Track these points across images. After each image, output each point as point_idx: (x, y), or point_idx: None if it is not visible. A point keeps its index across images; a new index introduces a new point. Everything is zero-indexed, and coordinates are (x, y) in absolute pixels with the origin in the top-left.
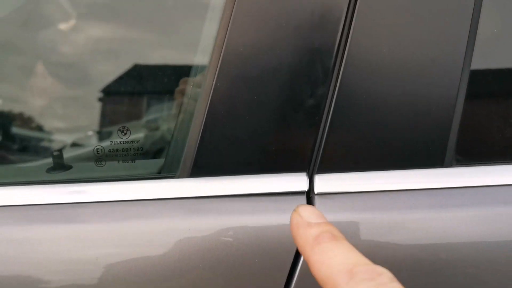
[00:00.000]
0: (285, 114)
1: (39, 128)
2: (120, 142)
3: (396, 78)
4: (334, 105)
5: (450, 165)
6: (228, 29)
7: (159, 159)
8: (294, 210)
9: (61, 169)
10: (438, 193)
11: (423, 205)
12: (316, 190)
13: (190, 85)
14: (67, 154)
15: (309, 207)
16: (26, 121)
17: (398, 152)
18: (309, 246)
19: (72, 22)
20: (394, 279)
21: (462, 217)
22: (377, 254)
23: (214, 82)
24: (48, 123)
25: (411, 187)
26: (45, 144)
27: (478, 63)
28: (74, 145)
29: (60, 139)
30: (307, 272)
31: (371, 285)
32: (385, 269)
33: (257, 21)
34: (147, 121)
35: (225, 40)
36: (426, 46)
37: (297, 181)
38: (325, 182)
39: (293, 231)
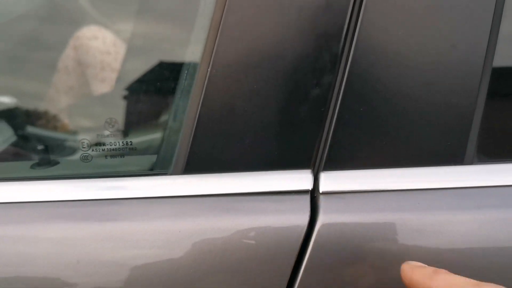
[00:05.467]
0: (288, 105)
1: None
2: (108, 135)
3: (412, 65)
4: (342, 96)
5: (471, 162)
6: (226, 6)
7: (151, 155)
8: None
9: (46, 165)
10: (457, 193)
11: (440, 206)
12: (322, 189)
13: (183, 75)
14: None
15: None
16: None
17: (413, 148)
18: (428, 278)
19: None
20: None
21: (484, 220)
22: (389, 260)
23: (209, 70)
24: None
25: (427, 186)
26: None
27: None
28: (60, 142)
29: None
30: (309, 275)
31: None
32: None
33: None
34: (138, 114)
35: (223, 16)
36: (447, 31)
37: (300, 179)
38: (331, 181)
39: (407, 273)
